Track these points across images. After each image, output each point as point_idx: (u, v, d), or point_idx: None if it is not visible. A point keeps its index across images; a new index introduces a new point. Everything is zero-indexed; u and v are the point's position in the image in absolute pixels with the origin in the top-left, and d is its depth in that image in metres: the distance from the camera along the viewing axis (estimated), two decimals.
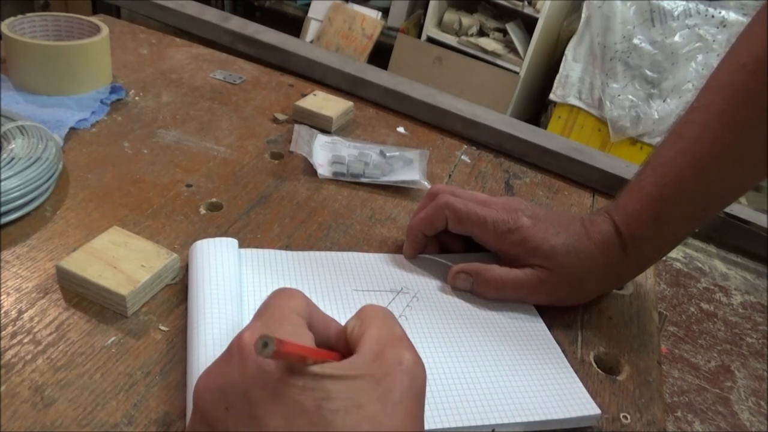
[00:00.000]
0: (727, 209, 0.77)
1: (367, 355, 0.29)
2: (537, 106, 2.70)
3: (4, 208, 0.46)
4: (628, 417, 0.42)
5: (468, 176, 0.68)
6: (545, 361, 0.44)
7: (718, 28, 2.09)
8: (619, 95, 2.25)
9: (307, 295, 0.45)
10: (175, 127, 0.65)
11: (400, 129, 0.75)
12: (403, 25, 2.68)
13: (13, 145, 0.50)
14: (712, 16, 2.09)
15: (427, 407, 0.35)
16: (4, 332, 0.39)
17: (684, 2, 2.11)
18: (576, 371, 0.44)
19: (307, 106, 0.70)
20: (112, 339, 0.40)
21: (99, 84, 0.67)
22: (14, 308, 0.41)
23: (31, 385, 0.36)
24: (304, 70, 0.82)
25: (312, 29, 2.82)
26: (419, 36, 2.64)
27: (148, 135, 0.62)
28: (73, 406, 0.35)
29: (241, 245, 0.48)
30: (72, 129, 0.60)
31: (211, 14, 0.89)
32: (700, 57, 2.13)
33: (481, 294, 0.48)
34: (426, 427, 0.35)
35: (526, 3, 2.43)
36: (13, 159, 0.49)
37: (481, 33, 2.61)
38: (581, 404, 0.41)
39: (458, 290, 0.49)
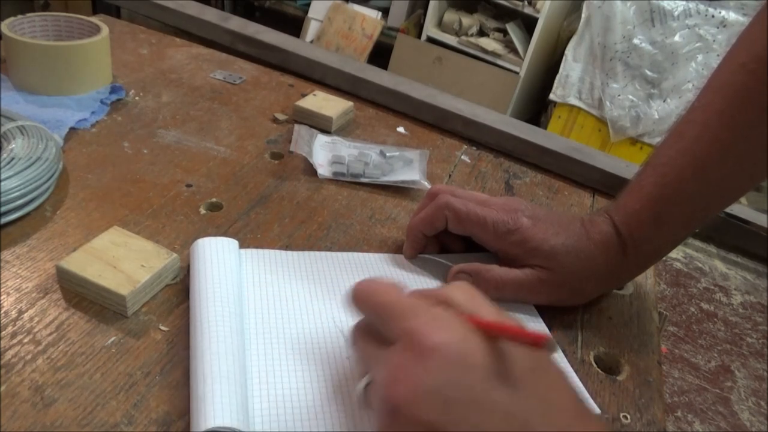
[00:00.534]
0: (727, 209, 0.77)
1: None
2: (537, 106, 2.70)
3: (4, 208, 0.46)
4: (628, 417, 0.42)
5: (468, 176, 0.68)
6: None
7: (718, 28, 2.09)
8: (619, 95, 2.25)
9: (307, 295, 0.46)
10: (175, 127, 0.65)
11: (400, 129, 0.75)
12: (403, 25, 2.68)
13: (13, 145, 0.50)
14: (712, 16, 2.09)
15: None
16: (4, 332, 0.39)
17: (684, 2, 2.11)
18: (576, 371, 0.44)
19: (307, 106, 0.70)
20: (112, 339, 0.40)
21: (99, 84, 0.67)
22: (14, 308, 0.41)
23: (31, 385, 0.36)
24: (304, 70, 0.82)
25: (312, 29, 2.82)
26: (419, 36, 2.64)
27: (148, 135, 0.62)
28: (73, 406, 0.35)
29: (241, 245, 0.48)
30: (72, 129, 0.60)
31: (211, 14, 0.89)
32: (700, 57, 2.13)
33: (481, 294, 0.48)
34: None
35: (526, 3, 2.43)
36: (13, 159, 0.49)
37: (481, 33, 2.61)
38: None
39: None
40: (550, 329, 0.47)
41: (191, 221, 0.52)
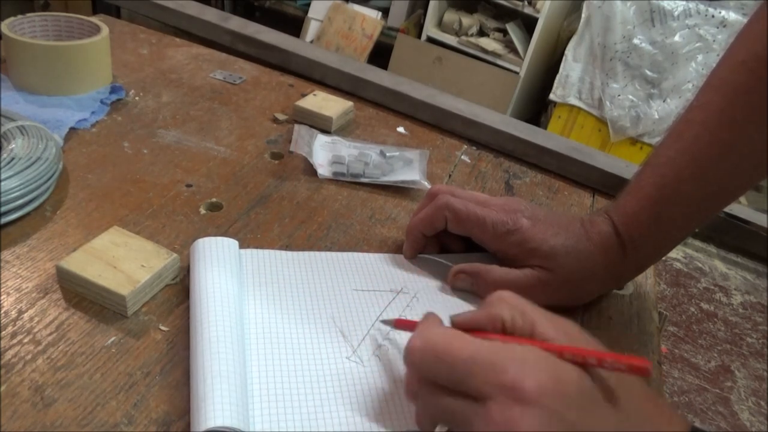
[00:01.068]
0: (727, 209, 0.77)
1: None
2: (537, 106, 2.70)
3: (4, 208, 0.46)
4: None
5: (468, 176, 0.68)
6: None
7: (718, 28, 2.09)
8: (619, 95, 2.25)
9: (307, 295, 0.46)
10: (175, 127, 0.65)
11: (400, 129, 0.75)
12: (403, 25, 2.68)
13: (13, 145, 0.50)
14: (712, 16, 2.09)
15: None
16: (4, 332, 0.39)
17: (684, 2, 2.11)
18: None
19: (307, 106, 0.70)
20: (112, 339, 0.40)
21: (99, 84, 0.67)
22: (14, 308, 0.41)
23: (31, 385, 0.36)
24: (304, 70, 0.82)
25: (312, 29, 2.82)
26: (419, 36, 2.64)
27: (148, 135, 0.62)
28: (73, 406, 0.35)
29: (241, 245, 0.48)
30: (72, 129, 0.60)
31: (211, 14, 0.89)
32: (700, 57, 2.13)
33: (481, 294, 0.48)
34: (421, 428, 0.36)
35: (526, 3, 2.43)
36: (13, 159, 0.49)
37: (481, 33, 2.61)
38: None
39: (458, 290, 0.49)
40: None
41: (191, 221, 0.52)
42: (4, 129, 0.52)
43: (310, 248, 0.51)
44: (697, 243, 1.58)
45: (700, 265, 1.72)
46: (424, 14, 2.61)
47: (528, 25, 2.50)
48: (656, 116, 2.22)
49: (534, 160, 0.73)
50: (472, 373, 0.31)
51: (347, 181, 0.62)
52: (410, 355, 0.34)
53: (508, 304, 0.35)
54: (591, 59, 2.28)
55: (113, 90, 0.67)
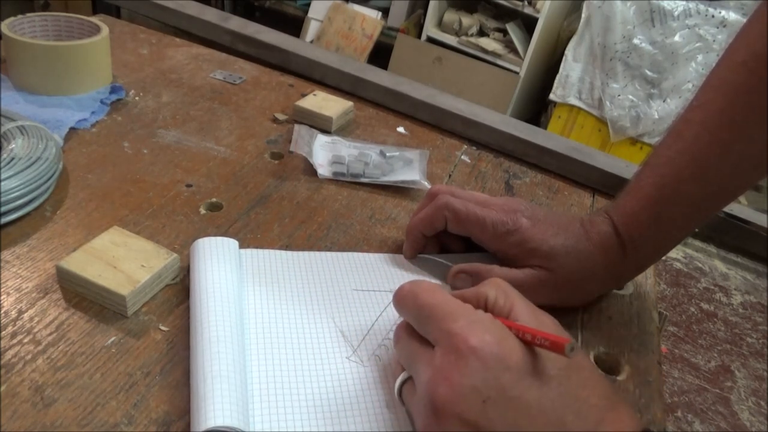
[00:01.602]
0: (727, 209, 0.77)
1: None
2: (537, 106, 2.70)
3: (4, 208, 0.46)
4: None
5: (468, 176, 0.68)
6: None
7: (718, 28, 2.09)
8: (619, 95, 2.25)
9: (307, 295, 0.46)
10: (175, 127, 0.65)
11: (400, 129, 0.75)
12: (403, 25, 2.68)
13: (13, 145, 0.50)
14: (712, 16, 2.09)
15: None
16: (4, 332, 0.39)
17: (684, 2, 2.11)
18: None
19: (307, 106, 0.70)
20: (112, 339, 0.40)
21: (99, 84, 0.67)
22: (14, 308, 0.41)
23: (31, 385, 0.36)
24: (304, 70, 0.82)
25: (312, 29, 2.82)
26: (419, 36, 2.64)
27: (148, 135, 0.62)
28: (73, 406, 0.35)
29: (241, 245, 0.48)
30: (72, 129, 0.60)
31: (211, 14, 0.89)
32: (700, 57, 2.13)
33: None
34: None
35: (526, 3, 2.43)
36: (13, 159, 0.49)
37: (481, 33, 2.61)
38: None
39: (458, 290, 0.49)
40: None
41: (191, 221, 0.52)
42: (4, 129, 0.52)
43: (310, 248, 0.51)
44: (697, 243, 1.58)
45: (700, 265, 1.72)
46: (424, 14, 2.61)
47: (528, 25, 2.50)
48: (656, 116, 2.22)
49: (534, 160, 0.73)
50: (431, 317, 0.35)
51: (347, 181, 0.62)
52: (396, 295, 0.38)
53: (497, 286, 0.37)
54: (591, 59, 2.28)
55: (113, 90, 0.67)
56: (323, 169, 0.62)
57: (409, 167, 0.64)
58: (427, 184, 0.62)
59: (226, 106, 0.71)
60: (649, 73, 2.19)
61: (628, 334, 0.49)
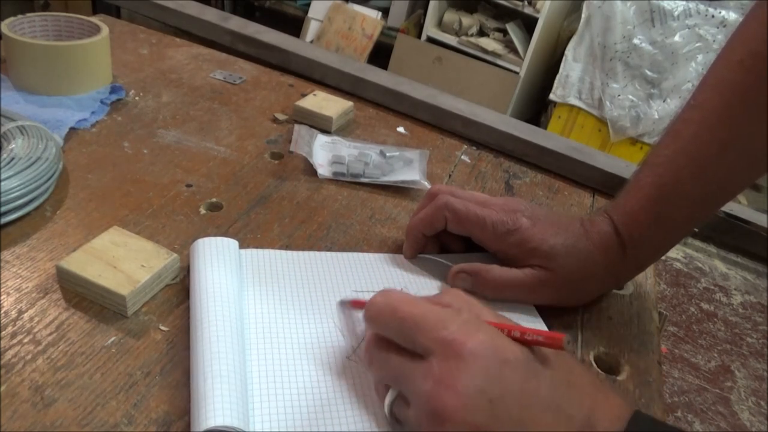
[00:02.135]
0: (727, 209, 0.77)
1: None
2: (537, 106, 2.70)
3: (4, 208, 0.46)
4: None
5: (468, 176, 0.68)
6: None
7: (718, 28, 2.09)
8: (619, 95, 2.25)
9: (307, 295, 0.46)
10: (175, 127, 0.65)
11: (400, 129, 0.75)
12: (403, 25, 2.68)
13: (13, 145, 0.50)
14: (712, 16, 2.09)
15: None
16: (4, 332, 0.39)
17: (684, 2, 2.11)
18: None
19: (307, 106, 0.70)
20: (112, 339, 0.40)
21: (99, 84, 0.67)
22: (14, 308, 0.41)
23: (31, 385, 0.36)
24: (304, 70, 0.82)
25: (312, 29, 2.82)
26: (419, 36, 2.64)
27: (148, 135, 0.62)
28: (73, 406, 0.35)
29: (241, 245, 0.48)
30: (72, 129, 0.60)
31: (211, 14, 0.89)
32: (700, 57, 2.13)
33: (481, 294, 0.48)
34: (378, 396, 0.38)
35: (526, 3, 2.43)
36: (13, 159, 0.49)
37: (481, 33, 2.61)
38: None
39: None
40: (549, 329, 0.47)
41: (191, 221, 0.52)
42: (4, 129, 0.52)
43: (310, 248, 0.51)
44: (697, 243, 1.58)
45: (700, 265, 1.72)
46: (424, 14, 2.61)
47: (528, 25, 2.50)
48: (656, 116, 2.22)
49: (534, 160, 0.73)
50: (418, 328, 0.34)
51: (347, 181, 0.62)
52: (369, 309, 0.37)
53: (456, 297, 0.37)
54: (591, 59, 2.28)
55: (113, 90, 0.67)
56: (323, 169, 0.62)
57: (409, 167, 0.64)
58: (427, 184, 0.62)
59: (226, 106, 0.71)
60: (649, 73, 2.19)
61: (628, 334, 0.49)
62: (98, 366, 0.38)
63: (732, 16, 2.07)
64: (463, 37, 2.56)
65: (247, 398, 0.36)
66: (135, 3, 0.93)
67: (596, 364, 0.46)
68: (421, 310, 0.35)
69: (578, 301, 0.50)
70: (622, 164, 0.72)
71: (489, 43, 2.53)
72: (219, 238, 0.47)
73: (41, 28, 0.67)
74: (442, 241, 0.53)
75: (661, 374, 0.46)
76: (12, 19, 0.64)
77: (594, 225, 0.48)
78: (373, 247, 0.53)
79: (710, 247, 1.58)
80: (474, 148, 0.74)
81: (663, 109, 2.21)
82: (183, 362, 0.39)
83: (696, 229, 0.49)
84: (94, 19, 0.68)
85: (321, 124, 0.70)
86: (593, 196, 0.70)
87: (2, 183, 0.46)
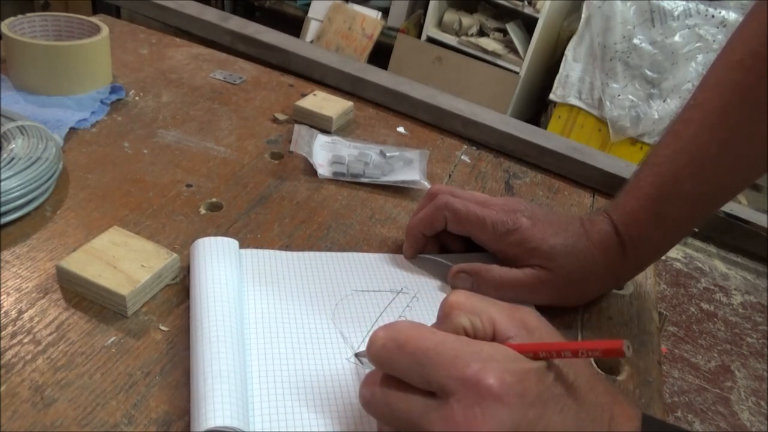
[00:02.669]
0: (727, 209, 0.77)
1: None
2: (537, 106, 2.70)
3: (4, 208, 0.46)
4: None
5: (468, 176, 0.68)
6: None
7: (718, 28, 2.09)
8: (619, 95, 2.25)
9: (307, 295, 0.46)
10: (175, 127, 0.65)
11: (400, 129, 0.75)
12: (403, 25, 2.68)
13: (13, 145, 0.50)
14: (712, 16, 2.09)
15: None
16: (4, 332, 0.39)
17: (684, 2, 2.11)
18: None
19: (307, 106, 0.70)
20: (112, 339, 0.40)
21: (99, 84, 0.67)
22: (14, 308, 0.41)
23: (31, 385, 0.36)
24: (304, 70, 0.82)
25: (312, 29, 2.82)
26: (419, 36, 2.64)
27: (148, 135, 0.62)
28: (73, 406, 0.35)
29: (241, 245, 0.48)
30: (72, 129, 0.60)
31: (211, 14, 0.89)
32: (700, 57, 2.13)
33: (481, 294, 0.48)
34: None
35: (526, 3, 2.43)
36: (13, 159, 0.49)
37: (481, 33, 2.61)
38: None
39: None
40: None
41: (191, 221, 0.52)
42: (4, 129, 0.52)
43: (310, 248, 0.51)
44: (697, 243, 1.58)
45: (700, 265, 1.72)
46: (424, 14, 2.61)
47: (528, 25, 2.50)
48: (656, 116, 2.22)
49: (534, 160, 0.73)
50: (433, 364, 0.31)
51: (347, 181, 0.62)
52: (372, 345, 0.33)
53: (463, 311, 0.34)
54: (591, 59, 2.28)
55: (113, 90, 0.67)
56: (323, 169, 0.62)
57: (409, 167, 0.64)
58: (427, 184, 0.62)
59: (226, 106, 0.71)
60: (649, 73, 2.19)
61: (628, 334, 0.49)
62: (98, 366, 0.38)
63: (732, 16, 2.07)
64: (463, 37, 2.56)
65: (247, 398, 0.36)
66: (135, 3, 0.93)
67: (596, 364, 0.46)
68: (433, 344, 0.31)
69: (578, 301, 0.50)
70: (622, 164, 0.72)
71: (489, 43, 2.53)
72: (219, 238, 0.47)
73: (41, 28, 0.67)
74: (442, 241, 0.53)
75: (661, 374, 0.46)
76: (12, 19, 0.64)
77: (594, 225, 0.48)
78: (373, 247, 0.53)
79: (710, 247, 1.58)
80: (474, 148, 0.74)
81: (663, 109, 2.21)
82: (183, 362, 0.39)
83: (696, 229, 0.49)
84: (94, 19, 0.68)
85: (321, 124, 0.70)
86: (593, 196, 0.70)
87: (2, 183, 0.46)
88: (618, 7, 2.16)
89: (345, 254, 0.51)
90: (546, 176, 0.72)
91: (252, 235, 0.52)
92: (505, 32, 2.55)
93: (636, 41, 2.17)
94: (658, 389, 0.45)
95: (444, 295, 0.48)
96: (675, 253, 1.72)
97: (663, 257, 0.53)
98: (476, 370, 0.30)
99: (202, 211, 0.53)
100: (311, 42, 2.73)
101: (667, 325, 1.57)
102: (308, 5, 2.85)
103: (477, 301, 0.34)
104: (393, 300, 0.47)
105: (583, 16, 2.25)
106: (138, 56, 0.78)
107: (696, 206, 0.47)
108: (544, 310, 0.48)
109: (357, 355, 0.41)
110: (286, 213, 0.55)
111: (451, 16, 2.60)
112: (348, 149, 0.66)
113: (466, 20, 2.58)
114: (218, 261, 0.44)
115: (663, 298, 1.63)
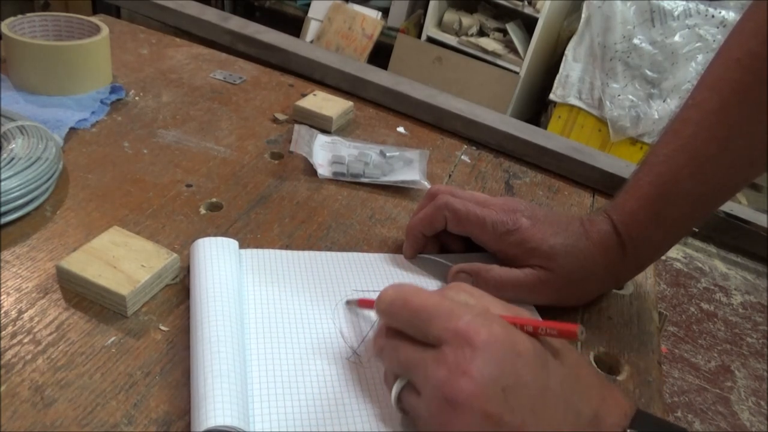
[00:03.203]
0: (727, 209, 0.77)
1: None
2: (537, 106, 2.70)
3: (4, 208, 0.46)
4: None
5: (468, 176, 0.68)
6: None
7: (718, 28, 2.09)
8: (619, 95, 2.25)
9: (307, 294, 0.46)
10: (175, 127, 0.65)
11: (400, 129, 0.75)
12: (403, 25, 2.68)
13: (13, 145, 0.50)
14: (712, 16, 2.09)
15: None
16: (4, 332, 0.39)
17: (684, 2, 2.11)
18: None
19: (307, 106, 0.70)
20: (112, 339, 0.40)
21: (99, 84, 0.67)
22: (14, 308, 0.41)
23: (31, 385, 0.36)
24: (304, 70, 0.82)
25: (312, 29, 2.82)
26: (419, 36, 2.64)
27: (148, 135, 0.62)
28: (73, 406, 0.35)
29: (241, 245, 0.48)
30: (72, 129, 0.60)
31: (211, 14, 0.89)
32: (700, 57, 2.13)
33: None
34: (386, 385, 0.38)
35: (526, 3, 2.43)
36: (13, 159, 0.49)
37: (481, 33, 2.61)
38: None
39: None
40: None
41: (191, 221, 0.52)
42: (4, 129, 0.52)
43: (310, 248, 0.51)
44: (697, 243, 1.58)
45: (700, 265, 1.72)
46: (424, 14, 2.61)
47: (528, 25, 2.50)
48: (656, 116, 2.22)
49: (534, 160, 0.73)
50: (431, 319, 0.34)
51: (347, 181, 0.62)
52: (381, 301, 0.37)
53: (460, 289, 0.37)
54: (591, 59, 2.28)
55: (113, 90, 0.67)
56: (323, 169, 0.62)
57: (409, 167, 0.64)
58: (427, 184, 0.62)
59: (226, 106, 0.71)
60: (649, 73, 2.19)
61: (628, 334, 0.49)
62: (98, 366, 0.38)
63: (732, 16, 2.07)
64: (463, 37, 2.56)
65: (247, 398, 0.36)
66: (135, 3, 0.93)
67: (596, 364, 0.46)
68: (433, 302, 0.35)
69: (578, 301, 0.50)
70: (622, 164, 0.72)
71: (489, 43, 2.53)
72: (219, 238, 0.47)
73: (41, 28, 0.67)
74: (442, 241, 0.53)
75: (661, 374, 0.46)
76: (12, 19, 0.64)
77: (594, 224, 0.48)
78: (373, 247, 0.53)
79: (710, 247, 1.58)
80: (474, 148, 0.74)
81: (663, 109, 2.21)
82: (183, 362, 0.39)
83: (696, 229, 0.49)
84: (94, 19, 0.69)
85: (321, 124, 0.70)
86: (593, 196, 0.70)
87: (2, 183, 0.46)
88: (618, 7, 2.16)
89: (345, 254, 0.51)
90: (546, 176, 0.72)
91: (252, 235, 0.52)
92: (505, 32, 2.55)
93: (636, 41, 2.17)
94: (658, 389, 0.45)
95: None
96: (675, 253, 1.72)
97: (663, 257, 0.53)
98: (466, 321, 0.33)
99: (202, 211, 0.53)
100: (311, 42, 2.74)
101: (667, 325, 1.57)
102: (308, 5, 2.85)
103: (475, 289, 0.38)
104: None
105: (583, 16, 2.25)
106: (138, 56, 0.78)
107: (695, 205, 0.47)
108: (544, 310, 0.48)
109: (348, 302, 0.45)
110: (286, 213, 0.55)
111: (451, 16, 2.60)
112: (348, 149, 0.66)
113: (466, 20, 2.58)
114: (218, 261, 0.44)
115: (663, 298, 1.63)
